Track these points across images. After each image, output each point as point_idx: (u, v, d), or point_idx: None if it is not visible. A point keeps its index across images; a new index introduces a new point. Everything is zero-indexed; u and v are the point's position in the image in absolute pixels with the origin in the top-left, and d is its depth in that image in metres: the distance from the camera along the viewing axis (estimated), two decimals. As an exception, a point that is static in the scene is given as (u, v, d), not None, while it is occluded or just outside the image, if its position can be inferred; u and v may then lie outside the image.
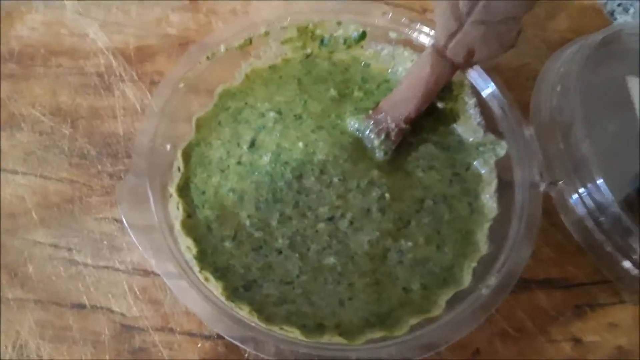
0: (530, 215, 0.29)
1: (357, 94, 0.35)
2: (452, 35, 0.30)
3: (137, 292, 0.33)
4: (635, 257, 0.29)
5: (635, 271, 0.29)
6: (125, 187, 0.28)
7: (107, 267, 0.34)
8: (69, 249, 0.34)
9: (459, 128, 0.34)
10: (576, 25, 0.46)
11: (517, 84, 0.40)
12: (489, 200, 0.32)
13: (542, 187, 0.29)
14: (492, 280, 0.27)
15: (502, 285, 0.27)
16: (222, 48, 0.33)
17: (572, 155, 0.30)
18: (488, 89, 0.32)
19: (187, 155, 0.32)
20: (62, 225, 0.35)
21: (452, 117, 0.34)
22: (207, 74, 0.33)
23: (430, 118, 0.35)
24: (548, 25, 0.45)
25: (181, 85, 0.31)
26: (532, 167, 0.30)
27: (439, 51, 0.31)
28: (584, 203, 0.29)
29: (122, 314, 0.32)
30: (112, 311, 0.32)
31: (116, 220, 0.34)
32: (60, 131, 0.38)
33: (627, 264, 0.30)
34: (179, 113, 0.32)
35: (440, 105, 0.35)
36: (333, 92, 0.34)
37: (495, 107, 0.32)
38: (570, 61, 0.33)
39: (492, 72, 0.33)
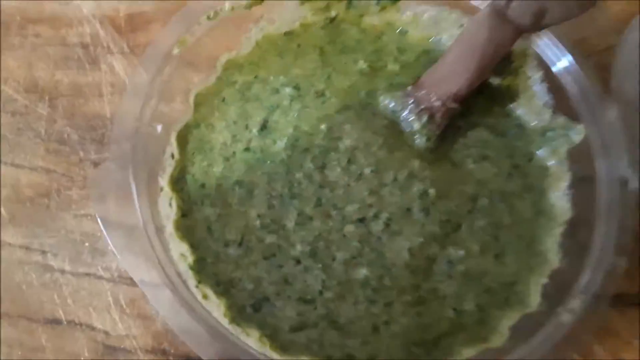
0: (621, 219, 0.22)
1: (392, 67, 0.29)
2: (518, -11, 0.23)
3: (124, 306, 0.28)
4: None
5: None
6: (103, 176, 0.21)
7: (88, 275, 0.29)
8: (43, 252, 0.30)
9: (519, 109, 0.28)
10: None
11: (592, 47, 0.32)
12: (559, 200, 0.25)
13: (635, 183, 0.22)
14: (575, 303, 0.20)
15: (590, 310, 0.20)
16: (227, 6, 0.26)
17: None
18: (560, 59, 0.25)
19: (183, 139, 0.26)
20: (36, 223, 0.30)
21: (510, 95, 0.28)
22: (208, 39, 0.27)
23: (482, 97, 0.28)
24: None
25: (175, 51, 0.26)
26: (620, 158, 0.23)
27: (498, 11, 0.25)
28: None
29: (106, 332, 0.28)
30: (93, 328, 0.28)
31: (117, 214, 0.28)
32: (36, 111, 0.33)
33: None
34: (173, 86, 0.26)
35: (495, 80, 0.27)
36: (363, 64, 0.28)
37: (568, 81, 0.25)
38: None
39: (564, 36, 0.26)
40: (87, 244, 0.29)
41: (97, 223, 0.28)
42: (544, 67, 0.27)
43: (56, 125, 0.32)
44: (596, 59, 0.28)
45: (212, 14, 0.26)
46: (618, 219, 0.23)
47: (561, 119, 0.26)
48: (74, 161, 0.31)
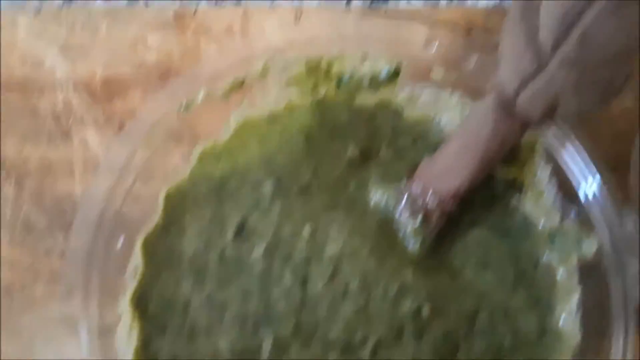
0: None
1: (386, 152, 0.26)
2: (527, 80, 0.21)
3: None
4: None
5: None
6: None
7: None
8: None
9: (526, 206, 0.24)
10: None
11: (607, 138, 0.29)
12: (568, 321, 0.22)
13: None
14: None
15: None
16: (201, 94, 0.23)
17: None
18: (572, 156, 0.22)
19: (149, 249, 0.23)
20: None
21: (516, 190, 0.24)
22: (181, 128, 0.24)
23: (485, 191, 0.25)
24: None
25: (140, 148, 0.22)
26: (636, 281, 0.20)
27: (504, 102, 0.21)
28: None
29: None
30: None
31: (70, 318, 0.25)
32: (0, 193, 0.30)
33: None
34: (139, 186, 0.23)
35: (500, 172, 0.24)
36: (353, 150, 0.25)
37: (582, 182, 0.22)
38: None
39: (580, 128, 0.22)
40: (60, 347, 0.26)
41: (65, 327, 0.26)
42: (554, 162, 0.23)
43: (23, 209, 0.29)
44: (613, 151, 0.24)
45: (183, 106, 0.23)
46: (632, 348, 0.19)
47: (572, 225, 0.23)
48: (40, 252, 0.28)
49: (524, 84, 0.21)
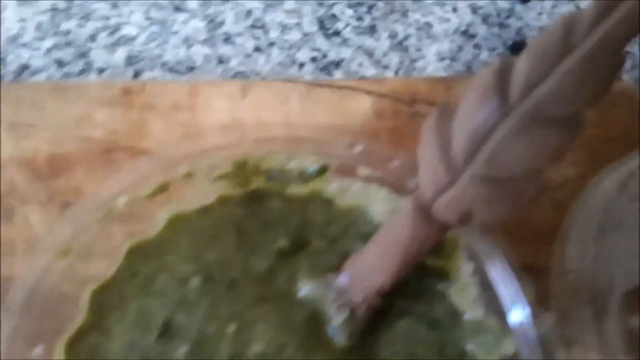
0: None
1: (317, 243, 0.26)
2: (441, 190, 0.21)
3: None
4: None
5: None
6: None
7: None
8: None
9: (454, 296, 0.24)
10: (604, 118, 0.37)
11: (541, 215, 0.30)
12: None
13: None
14: None
15: None
16: (122, 200, 0.23)
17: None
18: (490, 260, 0.22)
19: (72, 350, 0.22)
20: None
21: (444, 278, 0.25)
22: (107, 229, 0.23)
23: (415, 277, 0.25)
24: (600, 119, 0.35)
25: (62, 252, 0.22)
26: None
27: (422, 207, 0.22)
28: None
29: None
30: None
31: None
32: None
33: None
34: (61, 288, 0.23)
35: (430, 260, 0.25)
36: (283, 241, 0.25)
37: (499, 286, 0.22)
38: (615, 198, 0.23)
39: (500, 232, 0.23)
40: None
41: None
42: (475, 259, 0.24)
43: None
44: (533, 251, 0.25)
45: (104, 215, 0.24)
46: None
47: (493, 323, 0.24)
48: None
49: (438, 193, 0.22)
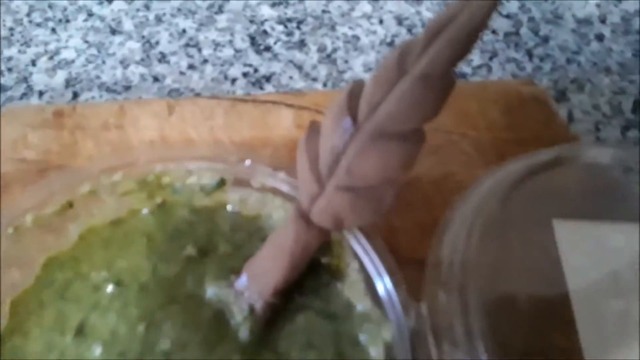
0: None
1: (224, 248, 0.29)
2: (313, 199, 0.24)
3: None
4: None
5: None
6: None
7: None
8: None
9: (346, 290, 0.27)
10: (514, 121, 0.40)
11: (439, 203, 0.34)
12: (377, 396, 0.25)
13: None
14: None
15: None
16: (29, 219, 0.26)
17: (469, 338, 0.23)
18: (367, 258, 0.25)
19: (-6, 354, 0.25)
20: None
21: (337, 274, 0.28)
22: (22, 244, 0.26)
23: (313, 276, 0.28)
24: (479, 121, 0.38)
25: None
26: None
27: (302, 214, 0.25)
28: None
29: None
30: None
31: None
32: None
33: None
34: None
35: (324, 260, 0.27)
36: (191, 249, 0.28)
37: (377, 279, 0.25)
38: (473, 210, 0.26)
39: (376, 233, 0.26)
40: None
41: None
42: (358, 258, 0.27)
43: None
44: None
45: (13, 229, 0.26)
46: None
47: (376, 313, 0.26)
48: None
49: (312, 202, 0.24)
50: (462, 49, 0.20)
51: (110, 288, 0.27)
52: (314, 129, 0.24)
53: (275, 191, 0.28)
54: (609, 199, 0.30)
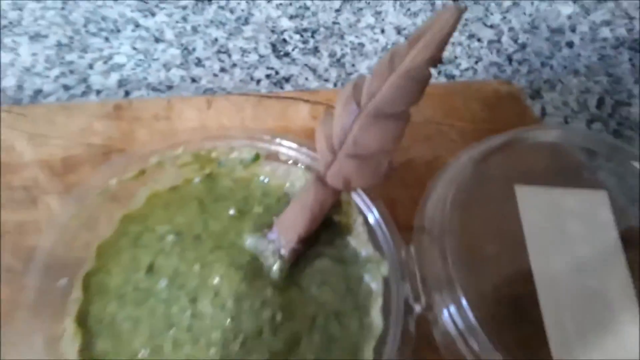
0: (403, 333, 0.30)
1: (257, 209, 0.37)
2: (328, 166, 0.32)
3: None
4: None
5: None
6: (14, 325, 0.30)
7: None
8: None
9: (353, 241, 0.35)
10: (492, 114, 0.47)
11: (429, 178, 0.42)
12: (376, 317, 0.33)
13: (416, 308, 0.31)
14: None
15: None
16: (114, 181, 0.34)
17: (447, 276, 0.31)
18: (369, 212, 0.34)
19: (86, 284, 0.34)
20: None
21: (346, 229, 0.36)
22: (104, 203, 0.35)
23: (328, 231, 0.36)
24: (464, 114, 0.46)
25: (75, 216, 0.34)
26: (406, 288, 0.31)
27: (320, 178, 0.33)
28: (458, 332, 0.30)
29: None
30: None
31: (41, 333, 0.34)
32: None
33: None
34: (75, 242, 0.34)
35: (335, 218, 0.36)
36: (233, 210, 0.36)
37: (376, 229, 0.33)
38: (450, 179, 0.34)
39: (376, 193, 0.34)
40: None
41: (40, 338, 0.34)
42: (362, 213, 0.35)
43: (4, 259, 0.38)
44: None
45: (101, 191, 0.35)
46: (402, 333, 0.31)
47: (376, 254, 0.35)
48: (18, 287, 0.38)
49: (327, 168, 0.33)
50: (436, 51, 0.29)
51: (171, 237, 0.36)
52: (328, 114, 0.33)
53: (299, 163, 0.37)
54: (563, 169, 0.38)
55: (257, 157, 0.37)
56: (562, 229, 0.35)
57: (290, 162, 0.37)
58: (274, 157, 0.37)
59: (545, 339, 0.30)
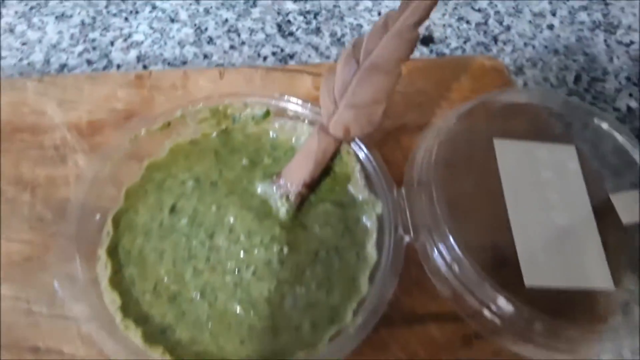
0: (393, 262, 0.35)
1: (267, 160, 0.42)
2: (330, 116, 0.37)
3: (84, 337, 0.37)
4: (493, 308, 0.34)
5: (495, 319, 0.34)
6: (58, 251, 0.35)
7: (59, 316, 0.38)
8: (28, 301, 0.39)
9: (351, 188, 0.40)
10: (478, 85, 0.52)
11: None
12: (371, 250, 0.38)
13: (406, 239, 0.36)
14: (359, 318, 0.33)
15: (366, 322, 0.33)
16: (143, 131, 0.39)
17: (433, 215, 0.36)
18: (366, 158, 0.39)
19: (116, 221, 0.38)
20: (23, 280, 0.40)
21: (345, 178, 0.41)
22: (134, 150, 0.40)
23: (329, 179, 0.41)
24: (452, 85, 0.52)
25: (107, 164, 0.38)
26: (398, 223, 0.36)
27: (323, 128, 0.38)
28: (443, 259, 0.35)
29: (71, 355, 0.37)
30: (62, 353, 0.37)
31: (68, 275, 0.38)
32: (21, 199, 0.43)
33: (487, 313, 0.34)
34: (108, 186, 0.39)
35: (335, 167, 0.41)
36: (245, 161, 0.41)
37: (372, 173, 0.38)
38: (440, 127, 0.39)
39: (371, 142, 0.40)
40: (59, 294, 0.38)
41: (67, 279, 0.40)
42: (359, 161, 0.41)
43: (36, 209, 0.43)
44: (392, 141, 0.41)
45: (133, 137, 0.40)
46: (392, 261, 0.36)
47: (372, 196, 0.40)
48: (49, 234, 0.42)
49: (329, 118, 0.38)
50: (423, 15, 0.34)
51: (191, 183, 0.40)
52: (330, 71, 0.38)
53: (304, 119, 0.42)
54: (536, 126, 0.43)
55: (267, 114, 0.42)
56: (535, 177, 0.40)
57: (297, 119, 0.41)
58: (282, 113, 0.42)
59: (519, 270, 0.35)
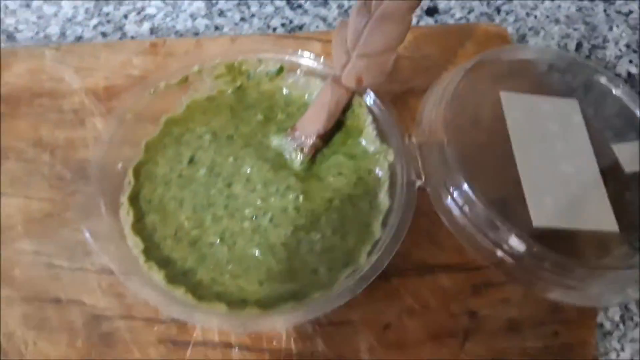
0: (405, 206, 0.36)
1: (281, 116, 0.43)
2: (343, 66, 0.39)
3: (105, 288, 0.39)
4: (505, 247, 0.35)
5: (507, 258, 0.35)
6: (82, 198, 0.36)
7: (80, 269, 0.40)
8: (49, 255, 0.40)
9: (363, 140, 0.42)
10: (482, 50, 0.53)
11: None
12: (384, 198, 0.39)
13: (417, 182, 0.37)
14: (373, 259, 0.35)
15: (378, 262, 0.34)
16: (162, 85, 0.41)
17: (444, 162, 0.37)
18: (378, 109, 0.40)
19: (137, 172, 0.40)
20: (44, 236, 0.41)
21: (357, 131, 0.42)
22: (153, 105, 0.41)
23: (340, 132, 0.42)
24: (457, 51, 0.53)
25: (128, 116, 0.40)
26: (410, 169, 0.38)
27: (336, 80, 0.39)
28: (455, 203, 0.36)
29: (93, 306, 0.39)
30: (84, 304, 0.39)
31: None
32: (41, 159, 0.45)
33: (499, 253, 0.35)
34: (129, 138, 0.40)
35: (347, 121, 0.42)
36: (260, 116, 0.42)
37: (384, 123, 0.40)
38: (449, 81, 0.41)
39: (384, 94, 0.41)
40: (79, 248, 0.40)
41: (85, 234, 0.41)
42: (371, 112, 0.42)
43: (55, 169, 0.44)
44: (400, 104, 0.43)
45: (152, 91, 0.42)
46: (404, 207, 0.37)
47: (383, 146, 0.41)
48: (68, 192, 0.43)
49: (342, 68, 0.39)
50: None
51: (208, 137, 0.42)
52: (343, 23, 0.39)
53: (316, 74, 0.43)
54: (541, 80, 0.44)
55: (281, 70, 0.43)
56: (541, 128, 0.41)
57: (310, 75, 0.43)
58: (295, 68, 0.43)
59: (528, 215, 0.36)
